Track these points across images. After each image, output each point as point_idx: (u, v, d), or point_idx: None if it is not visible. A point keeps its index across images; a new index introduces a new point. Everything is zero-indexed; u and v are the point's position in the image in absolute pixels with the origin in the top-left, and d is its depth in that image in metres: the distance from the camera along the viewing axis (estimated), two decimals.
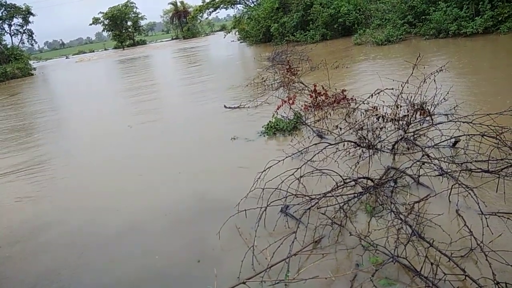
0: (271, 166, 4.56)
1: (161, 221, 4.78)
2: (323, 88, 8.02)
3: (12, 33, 52.91)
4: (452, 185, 3.95)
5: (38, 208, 5.79)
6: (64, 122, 13.06)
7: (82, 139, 9.85)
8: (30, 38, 55.83)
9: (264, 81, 11.69)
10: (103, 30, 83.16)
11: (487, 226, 3.33)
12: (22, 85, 31.17)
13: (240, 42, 36.78)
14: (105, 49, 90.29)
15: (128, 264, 4.00)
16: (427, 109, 6.22)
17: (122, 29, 79.79)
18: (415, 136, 5.54)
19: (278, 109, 7.72)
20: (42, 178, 7.06)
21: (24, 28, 53.99)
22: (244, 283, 3.07)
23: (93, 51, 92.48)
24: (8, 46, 46.95)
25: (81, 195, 6.10)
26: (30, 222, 5.32)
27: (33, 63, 50.30)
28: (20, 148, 9.71)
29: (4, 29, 51.76)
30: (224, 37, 42.17)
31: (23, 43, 55.29)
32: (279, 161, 4.67)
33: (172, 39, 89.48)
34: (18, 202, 6.10)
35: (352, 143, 5.20)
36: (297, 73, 11.00)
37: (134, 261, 4.04)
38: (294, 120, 7.37)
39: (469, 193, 3.69)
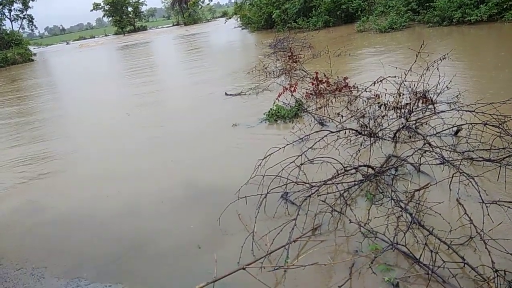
0: (272, 153, 4.55)
1: (159, 207, 4.80)
2: (325, 75, 7.95)
3: (12, 19, 52.48)
4: (453, 174, 3.94)
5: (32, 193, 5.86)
6: (63, 109, 13.03)
7: (80, 125, 9.85)
8: (30, 23, 55.45)
9: (266, 68, 11.61)
10: (104, 16, 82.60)
11: (488, 214, 3.33)
12: (23, 73, 31.02)
13: (242, 29, 36.43)
14: (106, 35, 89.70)
15: (125, 250, 4.03)
16: (430, 97, 6.18)
17: (123, 14, 79.17)
18: (417, 124, 5.52)
19: (279, 96, 7.68)
20: (36, 165, 7.13)
21: (24, 14, 53.54)
22: (244, 268, 3.09)
23: (94, 37, 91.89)
24: (8, 32, 46.65)
25: (73, 179, 6.19)
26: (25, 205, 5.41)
27: (33, 48, 50.05)
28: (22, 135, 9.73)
29: (4, 14, 51.32)
30: (225, 23, 41.68)
31: (23, 28, 55.02)
32: (280, 148, 4.65)
33: (173, 25, 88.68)
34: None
35: (354, 131, 5.18)
36: (299, 60, 10.91)
37: (132, 246, 4.07)
38: (296, 107, 7.34)
39: (470, 182, 3.68)
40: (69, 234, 4.56)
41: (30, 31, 58.77)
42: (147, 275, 3.59)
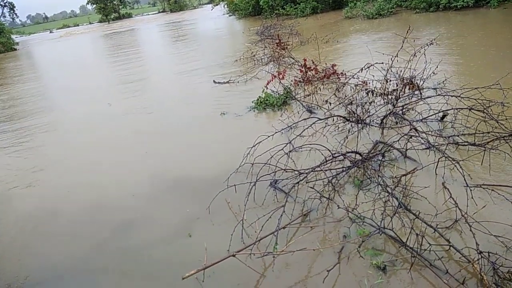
0: (260, 141, 4.56)
1: (146, 197, 4.79)
2: (313, 62, 7.94)
3: None
4: (439, 158, 4.00)
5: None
6: (44, 101, 12.77)
7: (60, 116, 9.69)
8: (12, 11, 54.00)
9: (254, 55, 11.53)
10: (88, 3, 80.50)
11: (472, 198, 3.40)
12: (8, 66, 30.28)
13: (229, 16, 36.01)
14: (90, 23, 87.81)
15: (113, 239, 4.02)
16: (416, 83, 6.22)
17: (107, 1, 77.29)
18: (404, 110, 5.57)
19: (268, 84, 7.64)
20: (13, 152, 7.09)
21: (4, 1, 52.05)
22: (233, 255, 3.12)
23: (78, 25, 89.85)
24: None
25: (43, 172, 6.15)
26: None
27: (16, 37, 48.67)
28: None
29: None
30: (212, 10, 41.12)
31: (5, 16, 53.54)
32: (269, 136, 4.66)
33: (159, 12, 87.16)
34: None
35: (342, 118, 5.20)
36: (287, 48, 10.85)
37: (120, 235, 4.06)
38: (284, 95, 7.32)
39: (455, 166, 3.75)
40: (50, 221, 4.54)
41: (11, 20, 57.23)
42: (137, 264, 3.60)
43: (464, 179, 3.57)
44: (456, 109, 4.90)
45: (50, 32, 77.21)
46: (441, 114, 5.24)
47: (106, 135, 7.55)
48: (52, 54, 31.54)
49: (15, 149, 7.45)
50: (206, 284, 3.11)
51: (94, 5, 78.93)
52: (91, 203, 4.86)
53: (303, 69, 7.90)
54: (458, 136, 4.59)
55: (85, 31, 56.95)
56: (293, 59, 9.85)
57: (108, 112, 9.17)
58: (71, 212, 4.74)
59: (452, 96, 5.12)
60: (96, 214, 4.59)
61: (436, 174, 4.05)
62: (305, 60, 7.99)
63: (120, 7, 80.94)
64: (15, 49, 40.30)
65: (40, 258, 3.92)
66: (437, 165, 4.03)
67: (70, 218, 4.60)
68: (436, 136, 4.60)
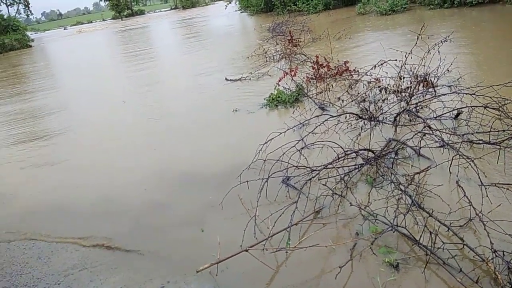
0: (272, 138, 4.58)
1: (161, 192, 4.86)
2: (325, 59, 7.91)
3: (8, 3, 51.81)
4: (453, 157, 3.97)
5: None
6: (57, 95, 12.99)
7: (72, 114, 9.86)
8: (26, 8, 54.76)
9: (266, 52, 11.52)
10: (101, 0, 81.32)
11: (487, 196, 3.37)
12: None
13: (241, 12, 35.96)
14: (103, 20, 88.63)
15: (127, 234, 4.09)
16: (430, 80, 6.16)
17: None
18: (418, 108, 5.51)
19: (280, 81, 7.65)
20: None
21: None
22: (246, 250, 3.15)
23: (91, 22, 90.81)
24: (5, 17, 46.04)
25: (56, 167, 6.28)
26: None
27: (31, 34, 49.42)
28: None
29: None
30: (225, 8, 41.26)
31: (20, 13, 54.38)
32: (281, 133, 4.68)
33: (171, 9, 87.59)
34: None
35: (354, 115, 5.19)
36: (299, 44, 10.82)
37: (134, 229, 4.13)
38: (296, 92, 7.32)
39: (470, 164, 3.72)
40: (61, 217, 4.63)
41: (26, 17, 58.14)
42: (151, 256, 3.66)
43: (479, 178, 3.54)
44: (471, 107, 4.84)
45: (64, 29, 78.18)
46: (455, 112, 5.19)
47: (118, 131, 7.68)
48: (67, 52, 31.92)
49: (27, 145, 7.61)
50: (219, 278, 3.15)
51: (107, 2, 79.59)
52: (104, 198, 4.95)
53: (315, 66, 7.88)
54: (472, 134, 4.53)
55: (99, 28, 57.49)
56: (305, 56, 9.82)
57: (122, 109, 9.29)
58: (82, 207, 4.83)
59: (466, 94, 5.06)
60: (109, 208, 4.68)
61: (450, 172, 4.02)
62: (317, 57, 7.97)
63: (133, 3, 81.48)
64: (30, 46, 40.91)
65: (54, 251, 4.02)
66: (451, 163, 4.00)
67: (81, 215, 4.69)
68: (450, 134, 4.56)
